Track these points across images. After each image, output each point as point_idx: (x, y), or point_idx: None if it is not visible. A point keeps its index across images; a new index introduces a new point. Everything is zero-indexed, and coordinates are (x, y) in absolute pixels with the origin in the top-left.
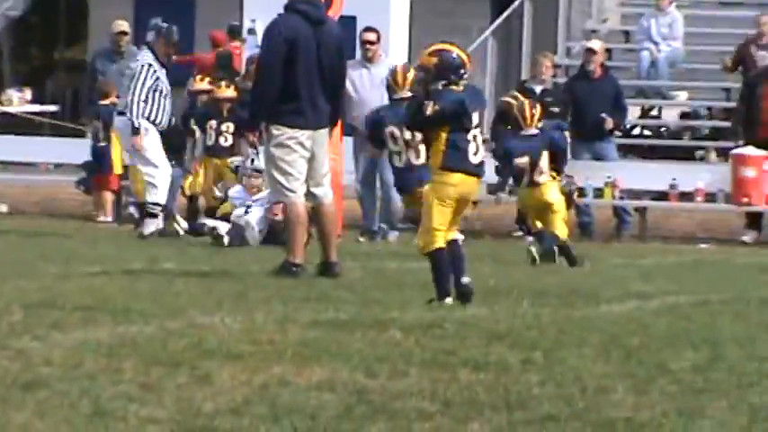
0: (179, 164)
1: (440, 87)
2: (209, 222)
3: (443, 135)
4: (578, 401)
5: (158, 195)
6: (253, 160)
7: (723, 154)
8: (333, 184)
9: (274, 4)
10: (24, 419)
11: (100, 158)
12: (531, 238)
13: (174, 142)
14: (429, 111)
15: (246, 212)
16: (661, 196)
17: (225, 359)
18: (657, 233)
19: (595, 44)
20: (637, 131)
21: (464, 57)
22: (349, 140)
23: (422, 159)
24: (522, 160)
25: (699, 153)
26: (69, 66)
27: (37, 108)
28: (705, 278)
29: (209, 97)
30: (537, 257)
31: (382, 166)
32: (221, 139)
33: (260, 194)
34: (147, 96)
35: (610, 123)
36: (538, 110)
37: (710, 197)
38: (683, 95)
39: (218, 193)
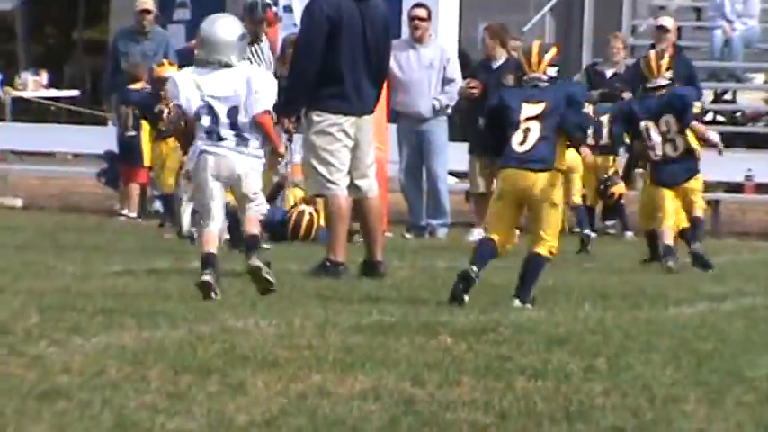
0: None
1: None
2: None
3: None
4: (646, 412)
5: None
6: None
7: None
8: (378, 176)
9: None
10: None
11: (128, 149)
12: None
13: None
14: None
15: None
16: (736, 188)
17: (259, 366)
18: (732, 228)
19: (668, 21)
20: (709, 117)
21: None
22: (393, 127)
23: (679, 151)
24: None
25: None
26: (89, 47)
27: (54, 93)
28: None
29: (153, 77)
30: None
31: (429, 156)
32: None
33: None
34: None
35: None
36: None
37: None
38: (759, 78)
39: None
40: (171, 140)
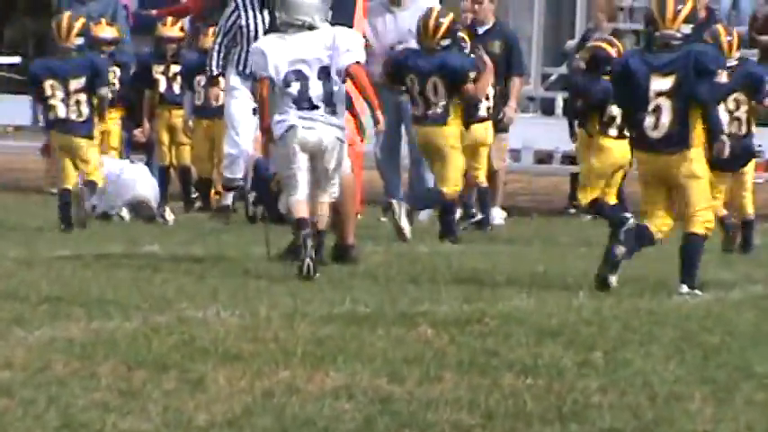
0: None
1: None
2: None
3: None
4: (646, 412)
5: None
6: None
7: None
8: (350, 152)
9: None
10: None
11: None
12: None
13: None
14: None
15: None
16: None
17: (221, 361)
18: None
19: None
20: None
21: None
22: None
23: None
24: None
25: None
26: (31, 8)
27: None
28: None
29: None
30: None
31: (411, 133)
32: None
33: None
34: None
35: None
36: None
37: None
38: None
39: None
40: (112, 115)
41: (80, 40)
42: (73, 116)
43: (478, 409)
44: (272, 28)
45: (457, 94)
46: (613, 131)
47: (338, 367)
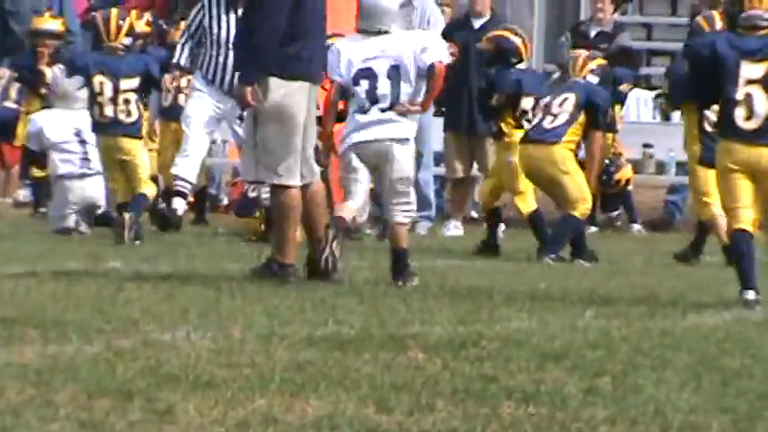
0: None
1: None
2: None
3: None
4: None
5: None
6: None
7: None
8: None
9: None
10: None
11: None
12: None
13: None
14: None
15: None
16: None
17: (191, 388)
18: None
19: None
20: None
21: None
22: None
23: None
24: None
25: None
26: None
27: None
28: None
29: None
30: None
31: None
32: (180, 98)
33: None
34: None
35: None
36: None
37: None
38: None
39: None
40: None
41: (128, 40)
42: (121, 116)
43: None
44: (238, 31)
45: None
46: (527, 126)
47: (320, 395)
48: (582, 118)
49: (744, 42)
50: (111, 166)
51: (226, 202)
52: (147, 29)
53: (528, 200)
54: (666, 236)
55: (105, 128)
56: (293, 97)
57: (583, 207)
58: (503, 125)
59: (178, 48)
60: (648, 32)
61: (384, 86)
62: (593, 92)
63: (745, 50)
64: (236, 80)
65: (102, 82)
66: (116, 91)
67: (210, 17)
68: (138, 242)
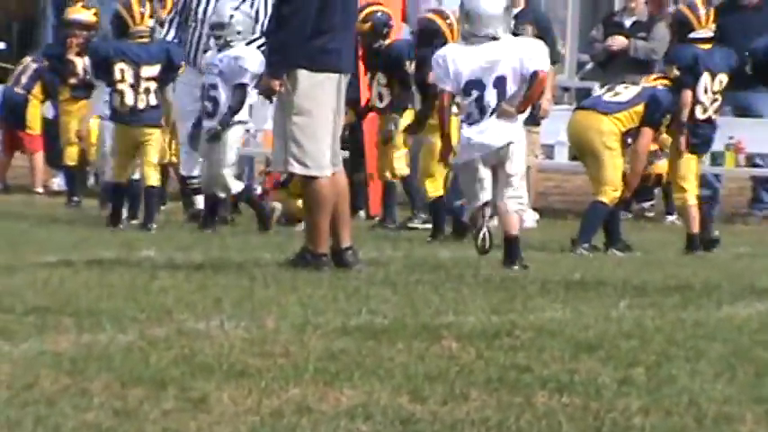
0: None
1: None
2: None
3: None
4: None
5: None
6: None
7: None
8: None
9: None
10: None
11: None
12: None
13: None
14: None
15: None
16: None
17: (225, 377)
18: None
19: None
20: None
21: None
22: None
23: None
24: None
25: None
26: None
27: None
28: None
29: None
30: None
31: None
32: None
33: None
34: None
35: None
36: None
37: None
38: None
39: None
40: (78, 107)
41: (152, 22)
42: (141, 105)
43: (508, 430)
44: (269, 23)
45: None
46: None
47: (354, 385)
48: (640, 108)
49: None
50: (124, 150)
51: (259, 191)
52: (94, 19)
53: (436, 184)
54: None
55: (126, 116)
56: (321, 89)
57: (612, 193)
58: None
59: (165, 25)
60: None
61: (491, 96)
62: (659, 91)
63: None
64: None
65: (123, 69)
66: (137, 78)
67: None
68: (152, 226)
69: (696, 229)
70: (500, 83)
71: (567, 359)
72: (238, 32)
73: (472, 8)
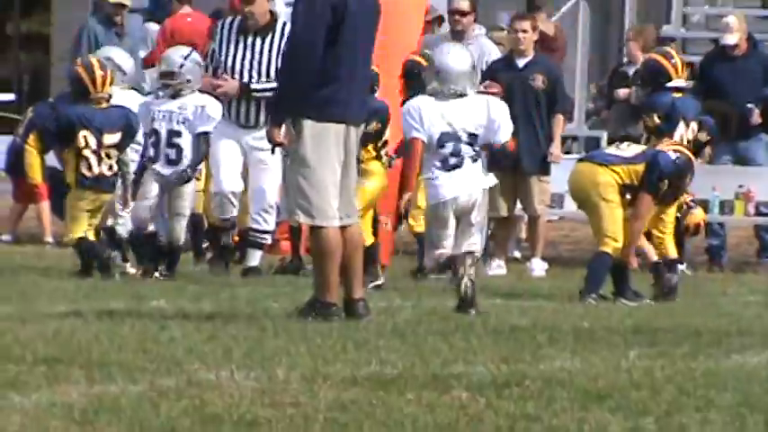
0: None
1: None
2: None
3: None
4: None
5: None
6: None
7: None
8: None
9: None
10: None
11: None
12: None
13: None
14: None
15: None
16: None
17: (235, 428)
18: None
19: (732, 20)
20: None
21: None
22: None
23: None
24: None
25: None
26: (27, 42)
27: None
28: None
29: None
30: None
31: None
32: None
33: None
34: None
35: (757, 116)
36: None
37: None
38: None
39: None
40: None
41: (113, 89)
42: (106, 171)
43: None
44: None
45: None
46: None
47: None
48: (640, 167)
49: None
50: (83, 215)
51: (269, 241)
52: None
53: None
54: (711, 275)
55: (92, 182)
56: (327, 140)
57: (613, 243)
58: (363, 151)
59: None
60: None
61: (466, 149)
62: (662, 155)
63: None
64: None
65: (86, 136)
66: (99, 145)
67: (220, 47)
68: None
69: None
70: (473, 138)
71: (577, 409)
72: (188, 81)
73: (441, 65)
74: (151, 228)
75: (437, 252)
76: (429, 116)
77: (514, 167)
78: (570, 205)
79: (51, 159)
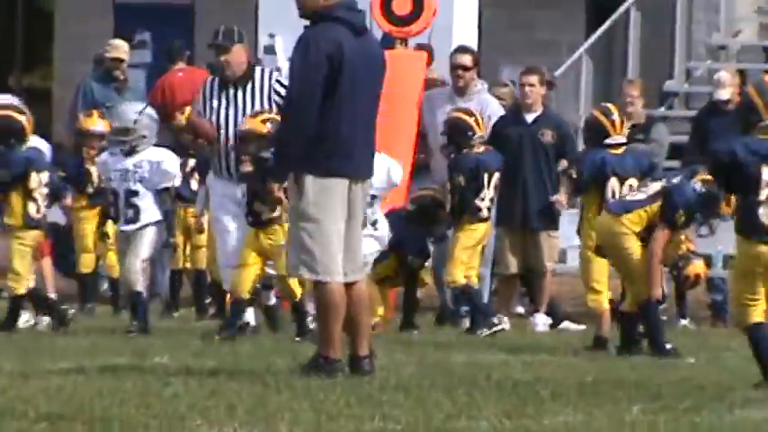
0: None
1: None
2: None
3: None
4: None
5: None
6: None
7: None
8: None
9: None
10: None
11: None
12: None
13: None
14: None
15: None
16: None
17: None
18: None
19: (723, 75)
20: None
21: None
22: None
23: None
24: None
25: None
26: (29, 96)
27: None
28: None
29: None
30: None
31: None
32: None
33: None
34: None
35: None
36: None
37: None
38: None
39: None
40: (93, 214)
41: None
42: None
43: None
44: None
45: None
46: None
47: None
48: (656, 207)
49: (762, 146)
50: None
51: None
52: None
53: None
54: (714, 330)
55: (38, 223)
56: (329, 196)
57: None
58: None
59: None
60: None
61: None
62: (677, 187)
63: (764, 155)
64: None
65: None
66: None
67: (204, 104)
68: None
69: (606, 332)
70: (372, 199)
71: None
72: (143, 136)
73: None
74: (139, 287)
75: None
76: None
77: (523, 224)
78: (574, 260)
79: (53, 215)
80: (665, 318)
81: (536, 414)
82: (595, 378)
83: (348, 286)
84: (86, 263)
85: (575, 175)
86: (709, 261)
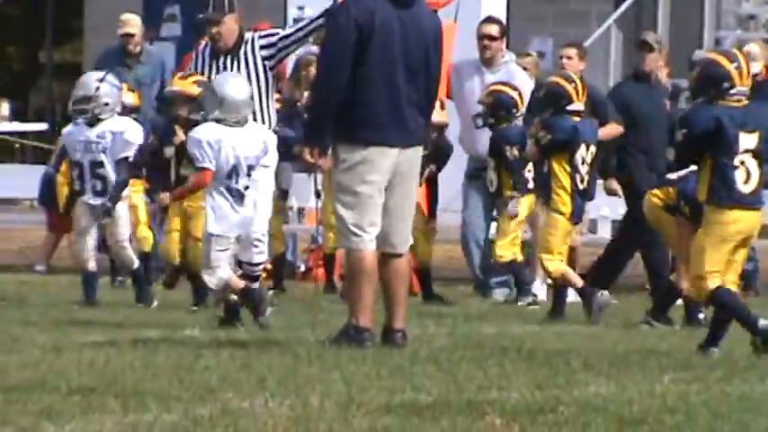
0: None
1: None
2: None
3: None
4: None
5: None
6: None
7: None
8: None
9: None
10: None
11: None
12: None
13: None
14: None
15: None
16: None
17: None
18: None
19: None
20: None
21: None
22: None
23: None
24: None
25: None
26: (60, 71)
27: (17, 127)
28: None
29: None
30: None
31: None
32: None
33: None
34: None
35: None
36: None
37: None
38: None
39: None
40: (136, 187)
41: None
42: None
43: None
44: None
45: None
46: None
47: None
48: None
49: (739, 115)
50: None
51: (303, 268)
52: (136, 101)
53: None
54: (746, 299)
55: None
56: (364, 165)
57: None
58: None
59: None
60: None
61: (243, 181)
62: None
63: (740, 122)
64: None
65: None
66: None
67: (196, 71)
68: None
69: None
70: (250, 170)
71: None
72: (106, 104)
73: (230, 97)
74: (91, 266)
75: (219, 278)
76: (216, 147)
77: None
78: (605, 231)
79: None
80: None
81: (567, 385)
82: (626, 348)
83: (391, 258)
84: None
85: (548, 138)
86: None
